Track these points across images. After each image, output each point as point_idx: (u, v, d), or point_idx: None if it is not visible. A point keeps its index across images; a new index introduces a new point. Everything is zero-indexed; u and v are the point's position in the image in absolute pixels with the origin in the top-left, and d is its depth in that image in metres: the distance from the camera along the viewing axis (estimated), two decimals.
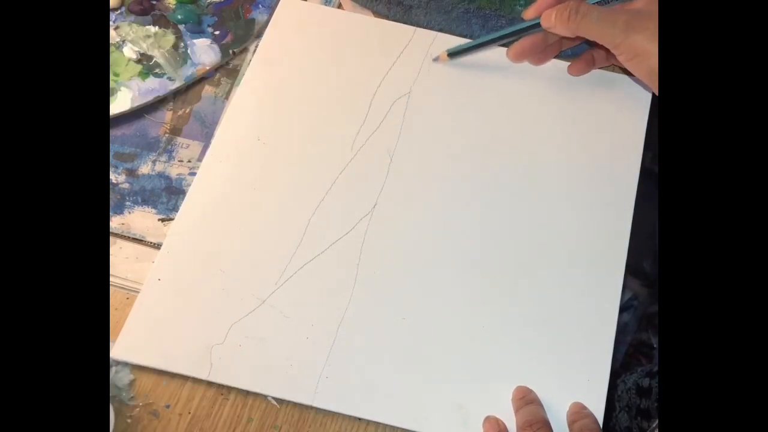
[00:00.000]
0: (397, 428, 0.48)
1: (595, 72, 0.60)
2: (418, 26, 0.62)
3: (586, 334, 0.50)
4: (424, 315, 0.50)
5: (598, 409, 0.48)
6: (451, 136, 0.57)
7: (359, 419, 0.48)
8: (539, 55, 0.58)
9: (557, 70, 0.60)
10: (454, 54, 0.59)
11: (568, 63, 0.61)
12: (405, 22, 0.63)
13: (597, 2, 0.53)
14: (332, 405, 0.48)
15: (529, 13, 0.56)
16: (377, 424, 0.48)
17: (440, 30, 0.62)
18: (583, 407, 0.47)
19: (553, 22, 0.53)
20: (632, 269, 0.59)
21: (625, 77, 0.60)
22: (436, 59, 0.60)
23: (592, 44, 0.58)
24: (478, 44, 0.58)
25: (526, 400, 0.47)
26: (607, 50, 0.53)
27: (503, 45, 0.58)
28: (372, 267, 0.52)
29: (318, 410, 0.48)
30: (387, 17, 0.63)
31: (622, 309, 0.62)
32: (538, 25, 0.55)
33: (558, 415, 0.47)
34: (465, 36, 0.62)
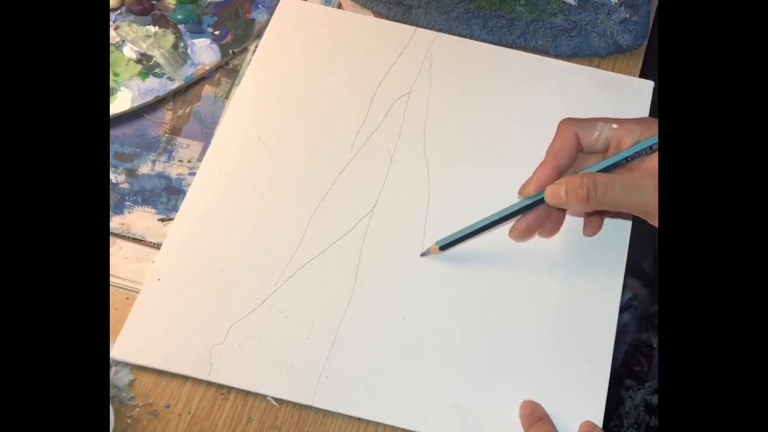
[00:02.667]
0: (397, 428, 0.48)
1: (595, 72, 0.60)
2: (418, 26, 0.62)
3: (586, 334, 0.50)
4: (424, 315, 0.50)
5: (598, 409, 0.48)
6: (451, 136, 0.57)
7: (359, 419, 0.48)
8: (547, 228, 0.51)
9: (557, 71, 0.60)
10: (445, 246, 0.51)
11: (568, 63, 0.61)
12: (405, 22, 0.63)
13: (602, 170, 0.47)
14: (332, 405, 0.48)
15: (527, 190, 0.48)
16: (377, 424, 0.48)
17: (440, 30, 0.62)
18: (594, 427, 0.47)
19: (565, 199, 0.46)
20: (632, 269, 0.59)
21: (625, 77, 0.60)
22: (425, 253, 0.52)
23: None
24: (472, 232, 0.50)
25: (535, 416, 0.47)
26: None
27: (499, 225, 0.50)
28: (372, 267, 0.52)
29: (318, 410, 0.48)
30: (387, 17, 0.63)
31: (622, 309, 0.62)
32: (541, 201, 0.48)
33: (558, 416, 0.47)
34: (465, 36, 0.62)
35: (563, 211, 0.51)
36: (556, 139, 0.49)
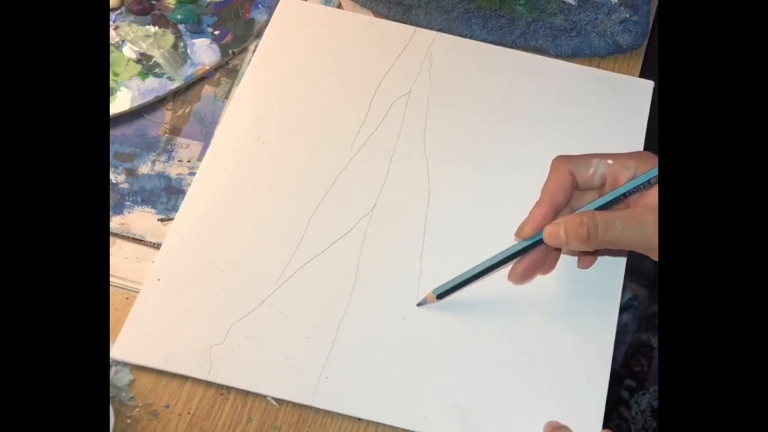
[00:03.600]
0: (397, 428, 0.48)
1: (595, 71, 0.60)
2: (418, 26, 0.62)
3: (586, 334, 0.50)
4: (424, 315, 0.50)
5: (598, 409, 0.48)
6: (451, 136, 0.57)
7: (359, 419, 0.48)
8: (545, 267, 0.50)
9: (557, 71, 0.60)
10: (442, 294, 0.50)
11: (568, 63, 0.61)
12: (405, 22, 0.63)
13: (599, 207, 0.46)
14: (332, 405, 0.48)
15: (525, 232, 0.47)
16: (377, 424, 0.48)
17: (440, 30, 0.62)
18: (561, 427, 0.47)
19: (565, 239, 0.45)
20: (632, 269, 0.59)
21: (625, 77, 0.60)
22: (422, 303, 0.50)
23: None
24: (469, 279, 0.49)
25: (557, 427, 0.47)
26: None
27: (496, 269, 0.49)
28: (372, 267, 0.52)
29: (318, 410, 0.48)
30: (387, 17, 0.63)
31: (622, 309, 0.62)
32: (539, 242, 0.47)
33: (558, 416, 0.47)
34: (465, 36, 0.62)
35: (559, 251, 0.50)
36: (550, 178, 0.48)
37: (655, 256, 0.44)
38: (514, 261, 0.48)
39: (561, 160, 0.48)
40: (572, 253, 0.52)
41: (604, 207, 0.46)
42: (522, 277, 0.49)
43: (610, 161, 0.47)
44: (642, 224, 0.44)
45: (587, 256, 0.51)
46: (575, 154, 0.48)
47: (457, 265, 0.51)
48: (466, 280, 0.49)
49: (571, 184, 0.47)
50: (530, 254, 0.48)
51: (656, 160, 0.46)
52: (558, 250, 0.50)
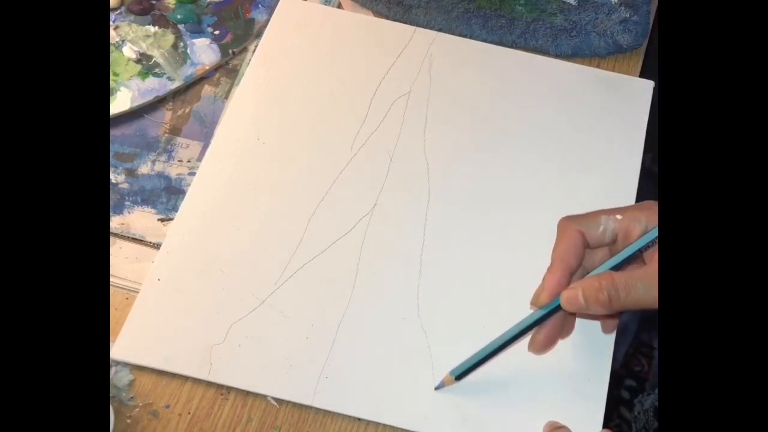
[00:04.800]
0: (397, 428, 0.48)
1: (595, 71, 0.60)
2: (418, 26, 0.62)
3: (586, 334, 0.50)
4: (424, 315, 0.50)
5: (598, 409, 0.48)
6: (451, 136, 0.57)
7: (359, 419, 0.48)
8: (564, 332, 0.48)
9: (557, 71, 0.60)
10: (460, 376, 0.48)
11: (569, 63, 0.61)
12: (405, 22, 0.63)
13: (615, 267, 0.45)
14: (332, 405, 0.48)
15: (541, 300, 0.46)
16: (377, 424, 0.48)
17: (440, 30, 0.62)
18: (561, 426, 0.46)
19: (585, 304, 0.44)
20: None
21: (625, 77, 0.60)
22: (440, 386, 0.48)
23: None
24: (487, 356, 0.47)
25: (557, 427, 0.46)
26: None
27: (515, 341, 0.47)
28: (372, 267, 0.52)
29: (318, 410, 0.48)
30: (387, 17, 0.63)
31: None
32: (557, 309, 0.45)
33: (558, 416, 0.47)
34: (465, 36, 0.62)
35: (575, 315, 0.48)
36: (560, 241, 0.46)
37: None
38: (533, 331, 0.47)
39: (568, 222, 0.46)
40: (590, 316, 0.50)
41: (619, 266, 0.45)
42: (543, 346, 0.47)
43: (619, 216, 0.45)
44: None
45: (608, 319, 0.50)
46: (580, 213, 0.47)
47: (457, 265, 0.51)
48: (484, 358, 0.47)
49: (582, 245, 0.46)
50: (549, 321, 0.46)
51: None
52: (573, 317, 0.48)
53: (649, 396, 0.57)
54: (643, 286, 0.43)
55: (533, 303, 0.46)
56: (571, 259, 0.46)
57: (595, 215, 0.46)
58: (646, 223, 0.45)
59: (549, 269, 0.46)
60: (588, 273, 0.46)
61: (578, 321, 0.50)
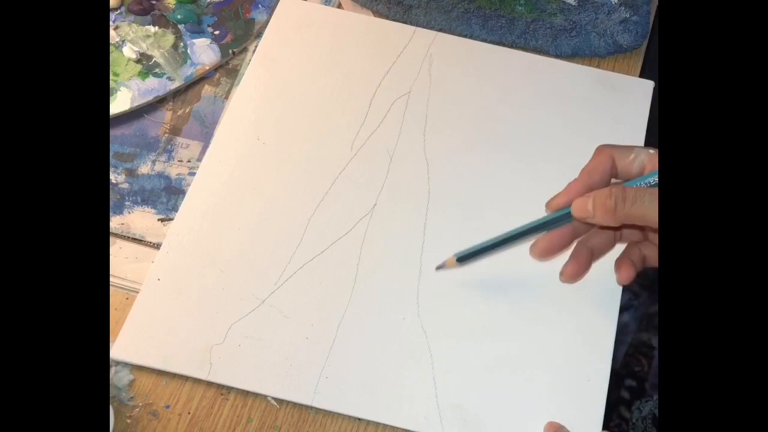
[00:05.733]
0: (397, 428, 0.48)
1: (595, 71, 0.60)
2: (418, 26, 0.62)
3: (586, 334, 0.50)
4: (424, 315, 0.50)
5: (598, 409, 0.48)
6: (451, 136, 0.57)
7: (359, 419, 0.48)
8: (570, 270, 0.49)
9: (557, 71, 0.60)
10: (463, 258, 0.49)
11: (569, 63, 0.61)
12: (405, 22, 0.63)
13: (636, 185, 0.46)
14: (332, 405, 0.48)
15: (555, 203, 0.47)
16: (377, 424, 0.48)
17: (440, 30, 0.62)
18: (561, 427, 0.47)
19: (592, 212, 0.44)
20: None
21: (625, 77, 0.60)
22: (441, 266, 0.50)
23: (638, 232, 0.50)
24: (492, 245, 0.49)
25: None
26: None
27: (521, 239, 0.48)
28: (372, 267, 0.52)
29: (318, 410, 0.48)
30: (387, 17, 0.63)
31: (622, 309, 0.62)
32: (567, 216, 0.46)
33: (558, 416, 0.47)
34: (465, 36, 0.62)
35: (591, 253, 0.49)
36: (591, 160, 0.48)
37: None
38: (539, 235, 0.48)
39: (604, 147, 0.48)
40: (600, 237, 0.49)
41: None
42: (544, 251, 0.48)
43: (652, 151, 0.47)
44: None
45: (576, 259, 0.49)
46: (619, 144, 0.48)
47: (457, 265, 0.51)
48: (488, 247, 0.48)
49: (610, 169, 0.47)
50: (556, 231, 0.47)
51: None
52: (587, 255, 0.49)
53: (647, 402, 0.57)
54: (649, 199, 0.43)
55: (548, 206, 0.48)
56: (596, 175, 0.47)
57: (630, 146, 0.47)
58: None
59: (573, 180, 0.47)
60: None
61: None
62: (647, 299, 0.95)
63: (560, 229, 0.47)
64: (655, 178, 0.45)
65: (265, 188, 0.55)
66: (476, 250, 0.49)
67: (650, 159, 0.46)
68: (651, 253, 0.49)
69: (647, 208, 0.43)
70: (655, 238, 0.49)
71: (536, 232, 0.48)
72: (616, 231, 0.49)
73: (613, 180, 0.48)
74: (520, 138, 0.57)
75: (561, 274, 0.49)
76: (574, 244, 0.49)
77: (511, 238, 0.48)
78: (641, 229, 0.48)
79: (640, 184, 0.45)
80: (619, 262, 0.49)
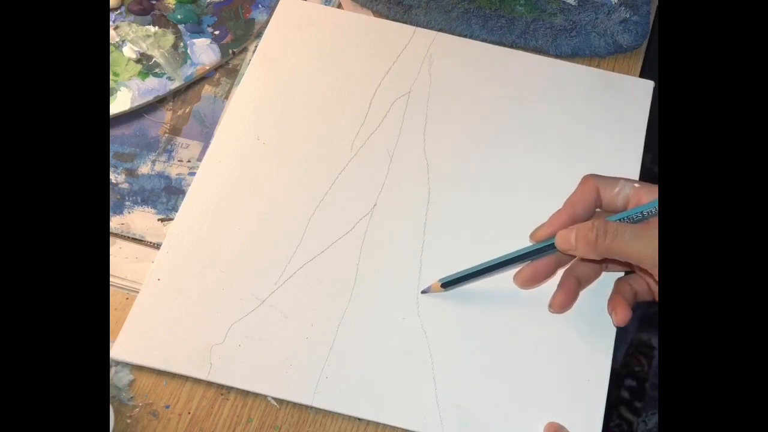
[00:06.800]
0: (397, 428, 0.48)
1: (595, 71, 0.60)
2: (418, 26, 0.62)
3: (586, 334, 0.50)
4: (424, 315, 0.50)
5: (597, 409, 0.48)
6: (451, 136, 0.57)
7: (359, 419, 0.48)
8: (558, 300, 0.49)
9: (557, 71, 0.60)
10: (447, 284, 0.50)
11: (569, 63, 0.61)
12: (405, 22, 0.63)
13: (619, 219, 0.46)
14: (332, 405, 0.48)
15: (539, 234, 0.48)
16: (377, 424, 0.48)
17: (440, 30, 0.62)
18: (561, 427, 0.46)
19: (574, 244, 0.45)
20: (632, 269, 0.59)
21: (625, 77, 0.60)
22: (426, 290, 0.51)
23: (628, 270, 0.50)
24: (476, 272, 0.49)
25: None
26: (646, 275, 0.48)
27: (505, 268, 0.49)
28: (372, 267, 0.52)
29: (318, 410, 0.48)
30: (387, 17, 0.63)
31: None
32: (551, 247, 0.47)
33: (558, 416, 0.47)
34: (465, 36, 0.62)
35: (578, 282, 0.49)
36: (576, 190, 0.48)
37: (657, 276, 0.43)
38: (523, 264, 0.49)
39: (589, 177, 0.48)
40: (585, 267, 0.50)
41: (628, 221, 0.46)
42: (528, 281, 0.49)
43: (637, 185, 0.47)
44: (651, 238, 0.43)
45: (564, 289, 0.49)
46: (606, 175, 0.48)
47: (457, 265, 0.51)
48: (473, 274, 0.49)
49: (595, 200, 0.47)
50: (541, 260, 0.48)
51: None
52: (575, 286, 0.49)
53: (653, 415, 0.56)
54: (630, 235, 0.44)
55: (532, 237, 0.48)
56: (580, 207, 0.47)
57: (616, 178, 0.48)
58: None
59: (557, 211, 0.48)
60: None
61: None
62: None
63: (544, 259, 0.48)
64: (639, 213, 0.45)
65: (265, 188, 0.55)
66: (461, 276, 0.50)
67: (635, 193, 0.47)
68: (641, 287, 0.49)
69: (627, 244, 0.44)
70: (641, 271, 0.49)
71: (521, 261, 0.48)
72: (600, 262, 0.49)
73: (598, 210, 0.48)
74: (520, 138, 0.57)
75: (550, 305, 0.49)
76: (560, 273, 0.50)
77: (496, 266, 0.49)
78: (624, 264, 0.48)
79: (624, 219, 0.45)
80: (612, 304, 0.49)
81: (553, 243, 0.47)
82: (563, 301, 0.49)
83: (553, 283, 0.50)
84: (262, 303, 0.51)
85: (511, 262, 0.48)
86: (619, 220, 0.45)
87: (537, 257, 0.48)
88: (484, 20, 0.62)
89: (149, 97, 0.59)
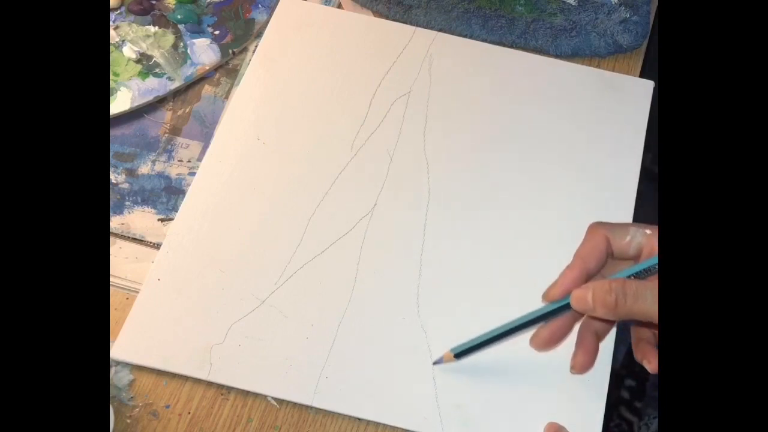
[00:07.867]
0: (397, 428, 0.48)
1: (595, 71, 0.60)
2: (418, 26, 0.62)
3: None
4: (424, 315, 0.50)
5: (598, 409, 0.48)
6: (451, 136, 0.57)
7: (359, 419, 0.48)
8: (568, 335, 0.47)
9: (557, 71, 0.60)
10: (460, 354, 0.48)
11: (569, 63, 0.61)
12: (405, 22, 0.63)
13: (632, 275, 0.43)
14: (332, 405, 0.48)
15: (552, 294, 0.45)
16: (377, 424, 0.48)
17: (440, 30, 0.62)
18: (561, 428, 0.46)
19: (592, 305, 0.42)
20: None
21: (625, 77, 0.60)
22: (438, 361, 0.49)
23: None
24: (490, 339, 0.47)
25: None
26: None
27: (519, 332, 0.47)
28: (372, 267, 0.52)
29: (318, 410, 0.48)
30: (387, 17, 0.63)
31: None
32: (566, 307, 0.44)
33: (558, 416, 0.47)
34: (465, 36, 0.62)
35: (596, 338, 0.47)
36: (585, 242, 0.46)
37: None
38: (539, 325, 0.46)
39: (597, 226, 0.46)
40: (599, 322, 0.48)
41: (637, 276, 0.43)
42: (546, 343, 0.46)
43: (648, 231, 0.45)
44: None
45: (583, 348, 0.47)
46: (613, 222, 0.46)
47: (457, 265, 0.51)
48: (485, 342, 0.47)
49: (605, 251, 0.45)
50: (556, 320, 0.46)
51: None
52: (594, 342, 0.47)
53: (655, 420, 0.56)
54: (652, 296, 0.41)
55: (545, 297, 0.46)
56: (592, 260, 0.45)
57: (625, 225, 0.46)
58: None
59: (567, 267, 0.45)
60: None
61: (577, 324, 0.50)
62: None
63: (559, 320, 0.46)
64: (655, 264, 0.43)
65: (265, 188, 0.55)
66: (473, 345, 0.47)
67: (648, 240, 0.45)
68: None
69: (650, 306, 0.41)
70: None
71: (535, 323, 0.46)
72: None
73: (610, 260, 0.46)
74: (520, 138, 0.57)
75: (572, 367, 0.47)
76: (576, 327, 0.47)
77: (509, 331, 0.46)
78: (644, 324, 0.46)
79: (640, 272, 0.43)
80: (642, 353, 0.47)
81: (569, 302, 0.44)
82: (585, 362, 0.46)
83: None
84: (262, 303, 0.51)
85: (526, 325, 0.46)
86: (636, 273, 0.43)
87: (552, 318, 0.46)
88: (484, 20, 0.62)
89: (149, 97, 0.59)
